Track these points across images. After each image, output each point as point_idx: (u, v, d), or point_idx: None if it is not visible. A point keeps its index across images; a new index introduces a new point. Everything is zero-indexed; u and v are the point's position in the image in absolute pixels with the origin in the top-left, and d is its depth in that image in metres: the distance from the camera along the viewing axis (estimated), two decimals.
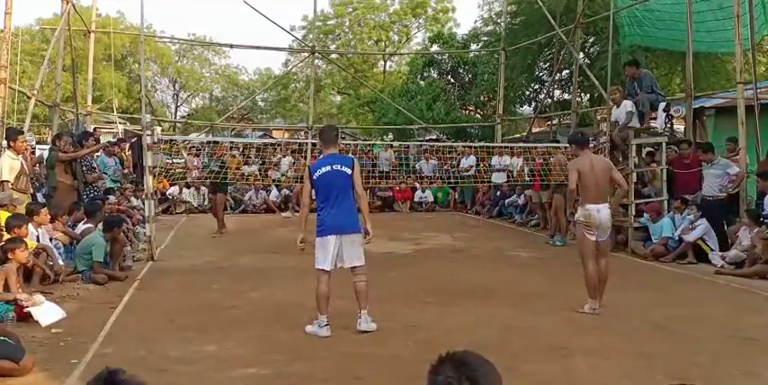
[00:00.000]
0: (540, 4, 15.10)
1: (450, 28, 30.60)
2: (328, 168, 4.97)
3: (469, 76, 22.99)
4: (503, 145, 15.15)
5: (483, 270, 8.07)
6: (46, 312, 5.14)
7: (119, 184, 11.13)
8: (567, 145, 6.40)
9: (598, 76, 12.99)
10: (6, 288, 5.21)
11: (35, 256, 6.07)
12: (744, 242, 7.94)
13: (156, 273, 7.48)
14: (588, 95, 19.78)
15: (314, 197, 5.08)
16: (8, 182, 7.39)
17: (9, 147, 7.72)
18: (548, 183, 11.11)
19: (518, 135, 20.25)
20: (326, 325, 4.91)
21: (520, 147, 13.54)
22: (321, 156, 5.35)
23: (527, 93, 21.68)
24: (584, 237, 5.75)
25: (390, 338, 4.82)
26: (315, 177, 4.98)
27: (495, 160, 13.95)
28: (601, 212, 5.70)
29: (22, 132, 8.45)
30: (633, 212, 9.16)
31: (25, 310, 5.10)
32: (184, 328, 5.14)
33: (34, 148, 15.10)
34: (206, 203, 14.64)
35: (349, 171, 4.97)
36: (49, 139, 12.45)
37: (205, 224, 11.80)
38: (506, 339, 4.91)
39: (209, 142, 12.75)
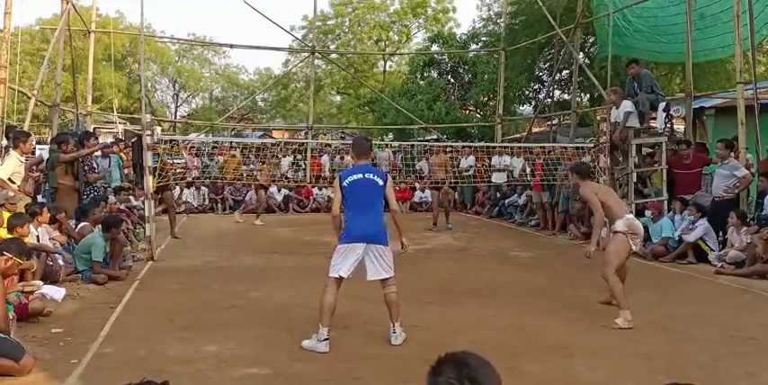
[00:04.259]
0: (540, 4, 15.11)
1: (451, 28, 30.63)
2: (360, 176, 4.80)
3: (469, 75, 23.00)
4: (503, 145, 15.17)
5: (483, 270, 8.07)
6: (52, 291, 5.39)
7: (118, 185, 11.12)
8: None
9: (598, 76, 13.00)
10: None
11: (36, 256, 6.06)
12: (735, 243, 7.94)
13: (156, 273, 7.48)
14: (588, 95, 19.79)
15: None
16: (5, 181, 7.38)
17: (16, 147, 7.71)
18: (549, 184, 11.18)
19: (518, 135, 20.26)
20: (326, 339, 4.60)
21: (520, 147, 13.57)
22: (352, 166, 5.22)
23: (527, 93, 21.69)
24: (626, 247, 5.61)
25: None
26: (345, 184, 4.79)
27: (495, 160, 13.97)
28: (636, 220, 5.81)
29: (30, 134, 8.48)
30: (633, 212, 9.16)
31: (37, 293, 5.17)
32: (184, 328, 5.13)
33: (34, 148, 15.10)
34: (206, 203, 14.68)
35: (381, 182, 4.82)
36: (48, 139, 12.47)
37: (205, 224, 11.80)
38: (506, 339, 4.91)
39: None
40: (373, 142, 18.52)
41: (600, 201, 5.60)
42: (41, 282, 5.51)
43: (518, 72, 19.22)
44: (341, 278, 4.73)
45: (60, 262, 6.64)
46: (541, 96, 19.82)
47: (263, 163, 13.42)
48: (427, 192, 15.75)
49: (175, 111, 38.61)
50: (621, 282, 5.62)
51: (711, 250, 8.34)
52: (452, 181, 12.58)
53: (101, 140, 12.63)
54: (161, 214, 10.67)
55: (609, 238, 5.74)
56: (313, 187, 15.25)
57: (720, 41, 11.24)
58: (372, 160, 5.36)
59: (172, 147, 10.96)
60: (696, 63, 11.23)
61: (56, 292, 5.45)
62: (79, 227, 7.67)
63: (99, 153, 10.50)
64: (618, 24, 11.92)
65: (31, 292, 5.18)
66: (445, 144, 16.70)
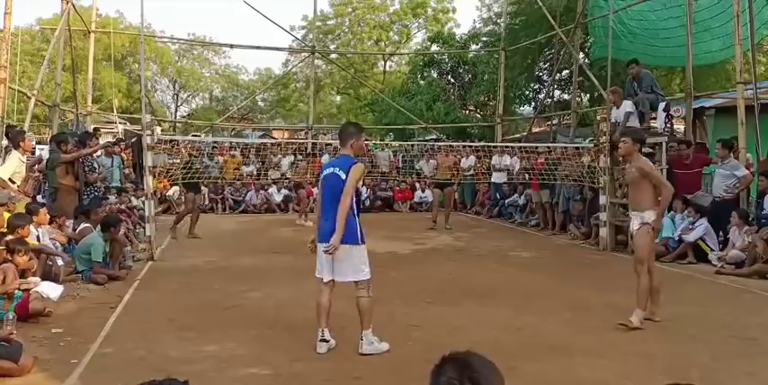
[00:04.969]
0: (540, 4, 15.11)
1: (451, 28, 30.66)
2: (329, 171, 4.60)
3: (469, 76, 23.00)
4: (503, 145, 15.17)
5: (483, 270, 8.07)
6: (49, 289, 5.39)
7: (119, 185, 11.12)
8: (624, 139, 5.52)
9: (598, 76, 13.00)
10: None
11: (36, 257, 6.07)
12: (737, 243, 7.94)
13: (156, 273, 7.48)
14: (588, 95, 19.79)
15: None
16: (5, 181, 7.38)
17: (17, 147, 7.71)
18: (547, 183, 11.19)
19: (518, 135, 20.28)
20: (321, 340, 4.52)
21: (520, 148, 13.57)
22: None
23: (527, 93, 21.70)
24: (653, 240, 5.31)
25: (390, 338, 4.77)
26: (320, 178, 4.76)
27: (495, 160, 13.98)
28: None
29: (25, 131, 8.50)
30: None
31: (32, 291, 5.18)
32: (184, 328, 5.14)
33: (34, 148, 15.11)
34: (206, 203, 14.67)
35: (343, 175, 4.47)
36: (48, 139, 12.52)
37: (205, 224, 11.76)
38: (506, 339, 4.90)
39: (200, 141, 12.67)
40: (373, 142, 18.57)
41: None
42: (38, 279, 5.51)
43: (518, 72, 19.23)
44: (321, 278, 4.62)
45: (60, 262, 6.63)
46: (541, 96, 19.82)
47: (306, 162, 13.30)
48: (427, 191, 15.77)
49: (175, 112, 38.62)
50: (656, 287, 5.47)
51: (711, 250, 8.34)
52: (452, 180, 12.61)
53: (101, 140, 12.62)
54: (160, 214, 10.67)
55: (635, 230, 5.43)
56: (314, 187, 15.24)
57: (708, 47, 11.28)
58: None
59: (172, 147, 10.96)
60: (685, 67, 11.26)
61: (52, 290, 5.43)
62: (80, 227, 7.63)
63: (102, 152, 10.51)
64: (613, 27, 11.97)
65: (29, 290, 5.19)
66: (449, 144, 16.74)
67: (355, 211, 4.53)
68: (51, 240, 6.93)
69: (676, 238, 8.67)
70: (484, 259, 8.93)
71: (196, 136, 19.97)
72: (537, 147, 13.15)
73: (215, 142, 16.94)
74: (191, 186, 10.55)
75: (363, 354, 4.46)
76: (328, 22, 32.77)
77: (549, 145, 12.83)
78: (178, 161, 12.38)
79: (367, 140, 19.79)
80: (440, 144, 14.65)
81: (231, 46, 20.41)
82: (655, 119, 10.01)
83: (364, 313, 4.49)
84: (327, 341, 4.56)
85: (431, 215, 12.45)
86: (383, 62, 32.52)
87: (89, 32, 16.64)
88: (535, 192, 11.97)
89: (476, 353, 1.60)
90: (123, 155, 12.76)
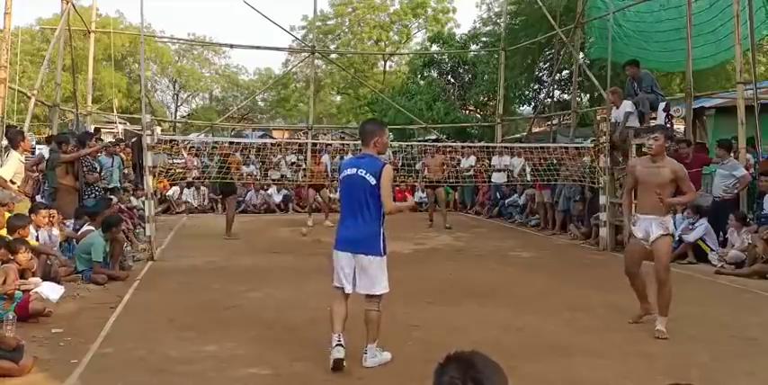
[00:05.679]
0: (540, 4, 15.11)
1: (451, 28, 30.66)
2: (353, 171, 4.26)
3: (469, 75, 23.01)
4: (503, 145, 15.16)
5: (484, 270, 8.07)
6: (49, 289, 5.40)
7: (118, 185, 11.12)
8: (656, 136, 5.11)
9: (598, 77, 13.00)
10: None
11: (36, 257, 6.07)
12: (736, 244, 7.95)
13: (156, 273, 7.48)
14: (588, 95, 19.79)
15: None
16: (7, 181, 7.39)
17: (16, 147, 7.70)
18: (548, 183, 11.19)
19: (518, 135, 20.27)
20: (337, 345, 4.22)
21: (520, 148, 13.57)
22: (356, 155, 4.70)
23: (527, 93, 21.70)
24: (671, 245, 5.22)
25: (391, 338, 4.75)
26: (340, 178, 4.43)
27: (495, 160, 13.98)
28: None
29: (23, 132, 8.53)
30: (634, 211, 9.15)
31: (32, 293, 5.19)
32: (184, 328, 5.14)
33: (34, 148, 15.11)
34: (206, 203, 14.67)
35: (373, 180, 4.17)
36: (45, 138, 12.57)
37: (205, 224, 11.80)
38: (506, 339, 4.90)
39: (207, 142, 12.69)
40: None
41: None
42: (39, 279, 5.52)
43: (518, 72, 19.22)
44: (340, 288, 4.37)
45: (58, 260, 6.63)
46: (541, 96, 19.82)
47: (316, 163, 13.23)
48: (426, 191, 15.76)
49: (175, 111, 38.63)
50: (642, 286, 5.45)
51: (711, 250, 8.34)
52: (451, 181, 12.62)
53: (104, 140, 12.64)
54: (160, 214, 10.56)
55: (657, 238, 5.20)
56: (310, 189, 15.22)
57: (702, 53, 11.29)
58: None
59: (172, 147, 10.97)
60: (681, 71, 11.26)
61: (52, 292, 5.43)
62: (84, 229, 7.56)
63: (102, 152, 10.52)
64: (607, 27, 11.97)
65: (29, 290, 5.20)
66: (443, 144, 16.73)
67: (382, 221, 4.27)
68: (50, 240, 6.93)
69: (676, 238, 8.67)
70: (484, 259, 8.93)
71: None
72: (536, 148, 13.14)
73: (215, 142, 16.95)
74: (230, 190, 10.66)
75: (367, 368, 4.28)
76: (328, 22, 32.78)
77: (549, 145, 12.82)
78: (181, 161, 12.35)
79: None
80: (438, 144, 14.64)
81: (231, 46, 20.40)
82: (655, 119, 10.00)
83: (372, 327, 4.28)
84: (344, 346, 4.28)
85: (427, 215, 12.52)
86: (383, 62, 32.54)
87: (89, 32, 16.63)
88: (537, 192, 11.98)
89: (480, 353, 1.60)
90: (123, 155, 12.75)
